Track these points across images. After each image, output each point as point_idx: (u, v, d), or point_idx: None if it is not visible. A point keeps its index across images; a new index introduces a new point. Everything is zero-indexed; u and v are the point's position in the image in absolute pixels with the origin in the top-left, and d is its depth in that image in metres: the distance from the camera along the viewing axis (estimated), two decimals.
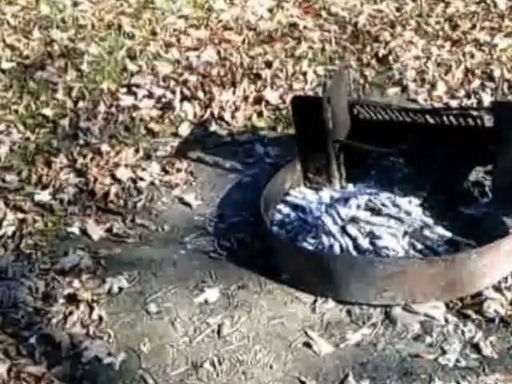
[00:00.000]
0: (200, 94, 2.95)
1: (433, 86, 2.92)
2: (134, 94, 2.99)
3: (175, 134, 2.81)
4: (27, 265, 2.26)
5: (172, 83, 3.03)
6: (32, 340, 2.00)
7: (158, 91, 2.99)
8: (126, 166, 2.63)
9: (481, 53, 3.08)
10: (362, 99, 2.81)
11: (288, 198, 2.35)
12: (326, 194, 2.33)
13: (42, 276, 2.21)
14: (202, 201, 2.49)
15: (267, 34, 3.32)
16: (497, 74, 2.89)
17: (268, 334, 1.98)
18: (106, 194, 2.51)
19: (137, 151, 2.72)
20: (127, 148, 2.73)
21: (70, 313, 2.07)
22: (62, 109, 2.97)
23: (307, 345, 1.94)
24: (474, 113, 2.31)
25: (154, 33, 3.39)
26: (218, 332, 2.00)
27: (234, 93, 2.94)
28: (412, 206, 2.22)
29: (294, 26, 3.35)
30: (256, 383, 1.86)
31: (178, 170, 2.63)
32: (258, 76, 3.04)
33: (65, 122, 2.89)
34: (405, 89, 2.93)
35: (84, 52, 3.26)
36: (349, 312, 2.03)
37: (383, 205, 2.20)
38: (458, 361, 1.86)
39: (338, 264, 2.03)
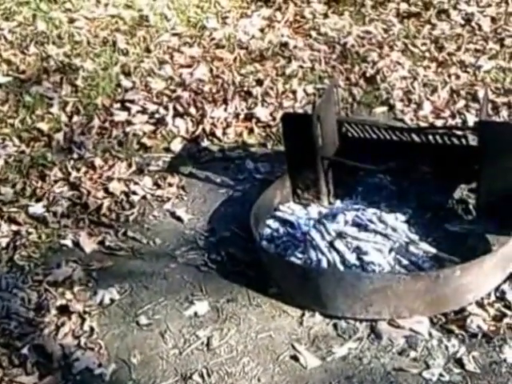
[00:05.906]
0: (192, 111, 2.98)
1: (419, 105, 2.96)
2: (128, 110, 3.02)
3: (167, 149, 2.85)
4: (20, 276, 2.28)
5: (165, 99, 3.07)
6: (24, 350, 2.01)
7: (151, 107, 3.02)
8: (119, 179, 2.66)
9: (466, 74, 3.12)
10: (351, 117, 2.86)
11: (277, 213, 2.38)
12: (314, 210, 2.37)
13: (34, 287, 2.23)
14: (193, 215, 2.52)
15: (258, 52, 3.36)
16: (481, 94, 2.91)
17: (256, 346, 2.01)
18: (99, 208, 2.54)
19: (130, 165, 2.75)
20: (120, 162, 2.76)
21: (62, 324, 2.09)
22: (56, 123, 2.99)
23: (294, 358, 1.97)
24: (459, 132, 2.35)
25: (148, 50, 3.43)
26: (207, 344, 2.02)
27: (225, 110, 2.98)
28: (398, 222, 2.26)
29: (284, 45, 3.39)
30: None
31: (170, 185, 2.65)
32: (249, 93, 3.08)
33: (59, 136, 2.91)
34: (392, 108, 2.97)
35: (79, 68, 3.29)
36: (335, 326, 2.05)
37: (370, 221, 2.23)
38: (441, 375, 1.88)
39: (325, 278, 2.06)
